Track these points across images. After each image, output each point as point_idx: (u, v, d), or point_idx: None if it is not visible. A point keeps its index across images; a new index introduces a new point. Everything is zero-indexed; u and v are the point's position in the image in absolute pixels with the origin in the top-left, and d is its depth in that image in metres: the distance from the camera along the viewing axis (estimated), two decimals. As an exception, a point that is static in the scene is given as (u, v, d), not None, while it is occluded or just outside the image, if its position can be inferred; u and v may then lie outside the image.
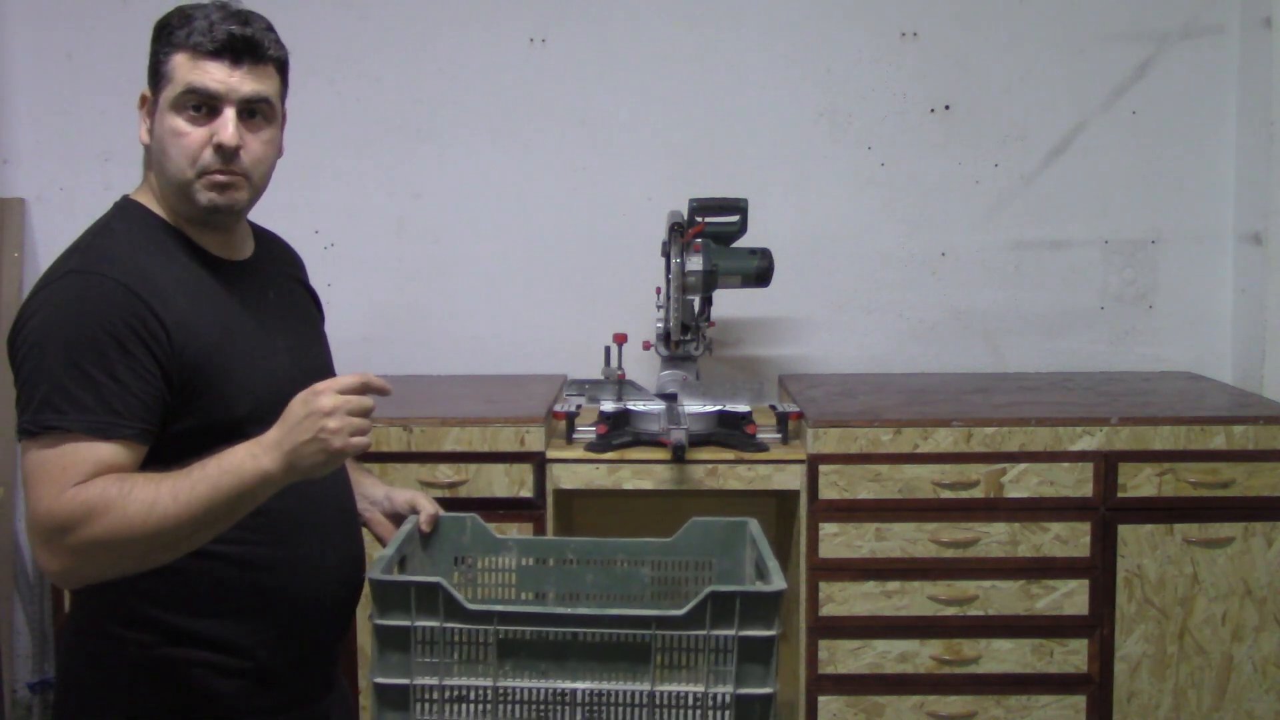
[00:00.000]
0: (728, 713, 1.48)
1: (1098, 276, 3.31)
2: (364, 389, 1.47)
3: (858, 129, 3.28)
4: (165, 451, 1.51)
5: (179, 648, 1.57)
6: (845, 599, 2.71)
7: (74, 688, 1.62)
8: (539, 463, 2.69)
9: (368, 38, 3.27)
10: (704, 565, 1.80)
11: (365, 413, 1.46)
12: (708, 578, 1.79)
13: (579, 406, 2.82)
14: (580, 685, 1.48)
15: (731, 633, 1.47)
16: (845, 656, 2.72)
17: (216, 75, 1.54)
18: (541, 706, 1.48)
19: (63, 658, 1.66)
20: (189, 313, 1.54)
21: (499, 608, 1.50)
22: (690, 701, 1.48)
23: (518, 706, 1.48)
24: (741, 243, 2.96)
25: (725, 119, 3.27)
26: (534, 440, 2.69)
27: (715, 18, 3.25)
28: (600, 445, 2.71)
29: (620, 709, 1.48)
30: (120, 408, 1.46)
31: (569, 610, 1.49)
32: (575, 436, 2.77)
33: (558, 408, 2.81)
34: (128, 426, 1.47)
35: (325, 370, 1.79)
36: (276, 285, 1.74)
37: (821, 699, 2.73)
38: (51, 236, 3.28)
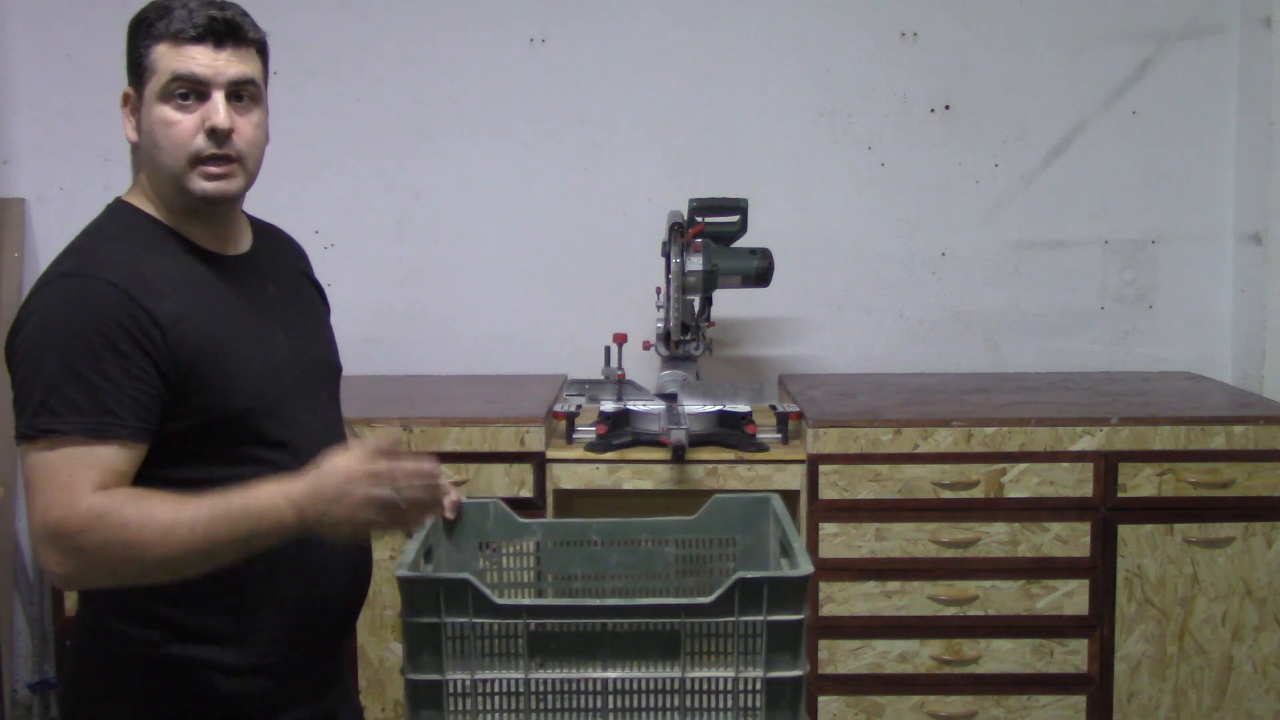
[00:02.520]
0: (759, 697, 1.49)
1: (1098, 276, 3.31)
2: (392, 453, 1.46)
3: (858, 129, 3.28)
4: (167, 449, 1.51)
5: (187, 645, 1.57)
6: (845, 599, 2.71)
7: (81, 686, 1.62)
8: (539, 463, 2.69)
9: (368, 38, 3.27)
10: (727, 542, 1.80)
11: (398, 486, 1.45)
12: (731, 555, 1.80)
13: (579, 406, 2.82)
14: (611, 675, 1.49)
15: (760, 618, 1.48)
16: (845, 656, 2.72)
17: (202, 60, 1.54)
18: (573, 697, 1.49)
19: (69, 656, 1.66)
20: (185, 310, 1.53)
21: (528, 601, 1.52)
22: (721, 687, 1.49)
23: (550, 698, 1.49)
24: (741, 243, 2.96)
25: (725, 119, 3.27)
26: (534, 440, 2.69)
27: (715, 18, 3.25)
28: (600, 445, 2.71)
29: (652, 696, 1.49)
30: (115, 407, 1.46)
31: (597, 602, 1.50)
32: (575, 436, 2.77)
33: (558, 408, 2.81)
34: (123, 426, 1.47)
35: (328, 363, 1.78)
36: (277, 279, 1.73)
37: (821, 699, 2.73)
38: (51, 236, 3.28)
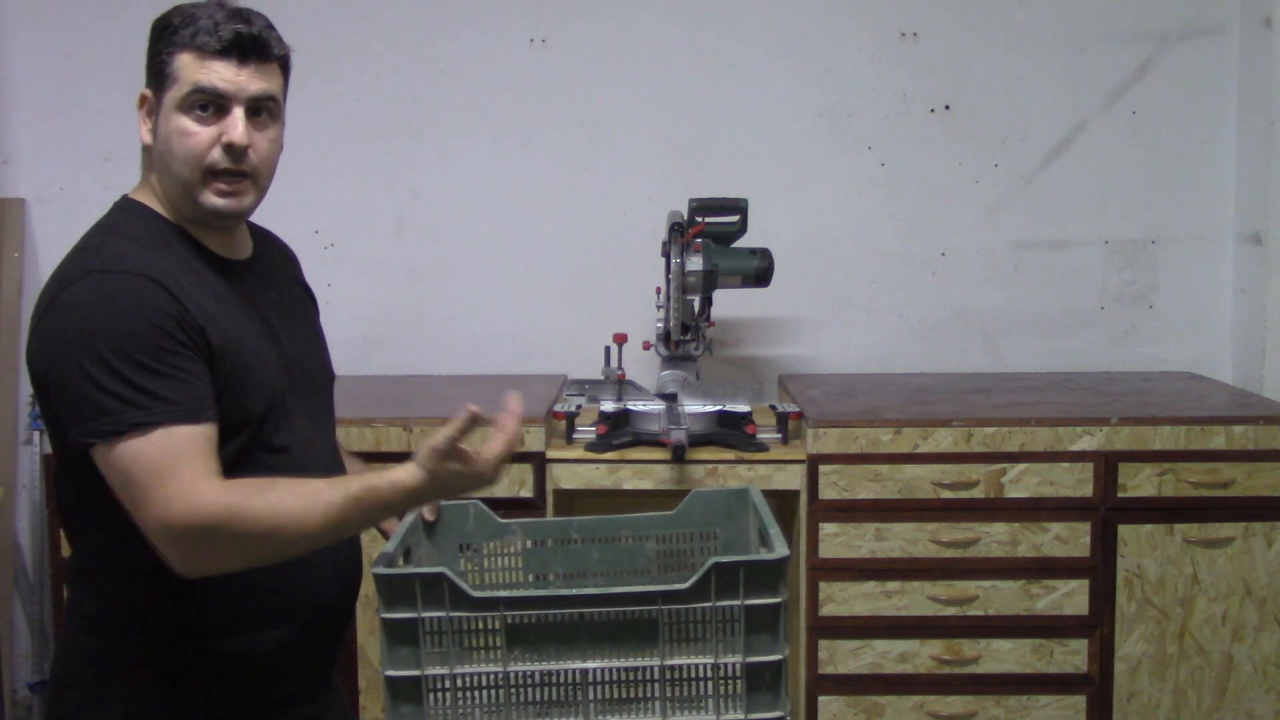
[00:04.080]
0: (739, 682, 1.49)
1: (1098, 276, 3.31)
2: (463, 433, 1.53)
3: (858, 129, 3.28)
4: None
5: (177, 647, 1.57)
6: (845, 599, 2.71)
7: (71, 686, 1.61)
8: (539, 463, 2.69)
9: (368, 38, 3.27)
10: (708, 536, 1.81)
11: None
12: (713, 548, 1.80)
13: (579, 406, 2.82)
14: (591, 665, 1.49)
15: (737, 602, 1.48)
16: (845, 656, 2.72)
17: (224, 75, 1.53)
18: (553, 689, 1.49)
19: (59, 657, 1.65)
20: (209, 310, 1.53)
21: (504, 594, 1.51)
22: (701, 673, 1.49)
23: (529, 690, 1.49)
24: (741, 243, 2.96)
25: (725, 119, 3.27)
26: (534, 440, 2.69)
27: (715, 18, 3.25)
28: (600, 445, 2.71)
29: (632, 686, 1.49)
30: (198, 392, 1.46)
31: (574, 591, 1.51)
32: (575, 436, 2.77)
33: (558, 408, 2.81)
34: (208, 409, 1.47)
35: (324, 370, 1.79)
36: (277, 284, 1.74)
37: (821, 699, 2.73)
38: (51, 236, 3.29)
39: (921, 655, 2.72)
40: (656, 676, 1.49)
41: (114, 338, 1.44)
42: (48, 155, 3.31)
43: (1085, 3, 3.24)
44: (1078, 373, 3.27)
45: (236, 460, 1.53)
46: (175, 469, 1.42)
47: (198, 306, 1.51)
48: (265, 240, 1.78)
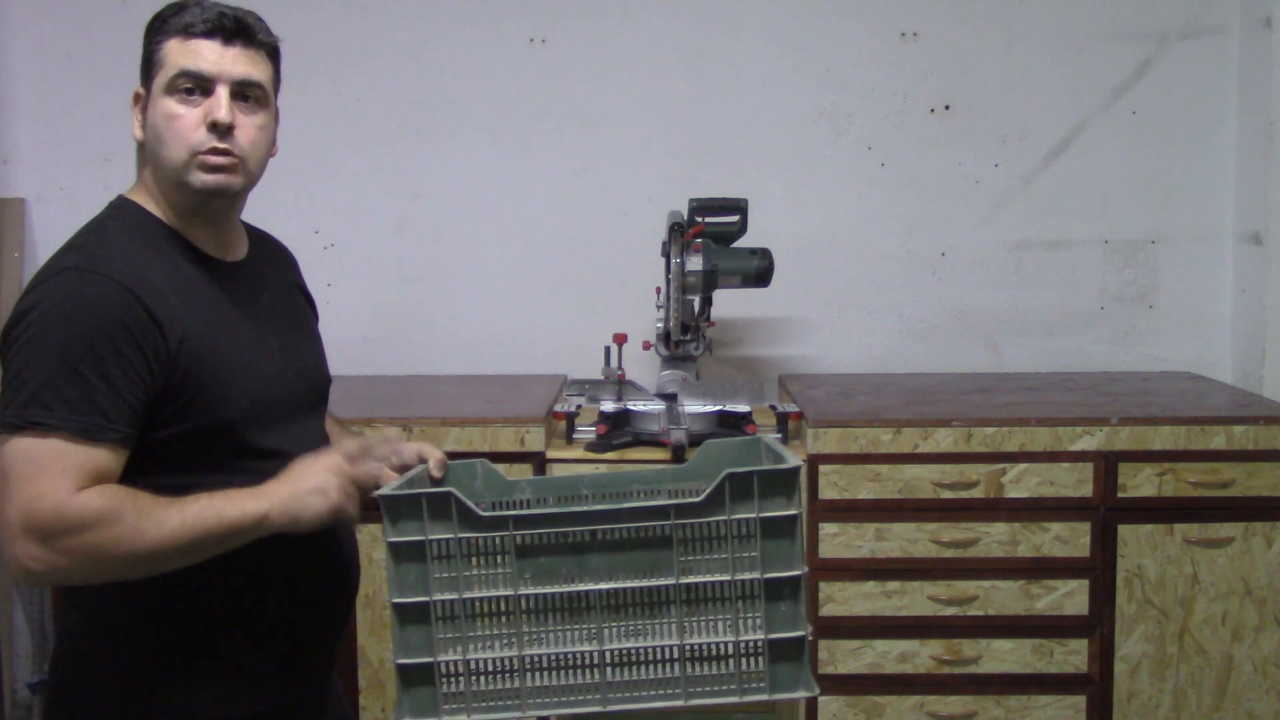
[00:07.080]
0: (758, 600, 1.45)
1: (1098, 276, 3.31)
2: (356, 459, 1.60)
3: (858, 129, 3.28)
4: (159, 455, 1.51)
5: (174, 654, 1.57)
6: (845, 599, 2.71)
7: (67, 692, 1.61)
8: (539, 463, 2.69)
9: (368, 38, 3.27)
10: None
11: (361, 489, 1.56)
12: None
13: (579, 406, 2.82)
14: (604, 586, 1.45)
15: (753, 515, 1.44)
16: (845, 656, 2.72)
17: (208, 56, 1.55)
18: (564, 613, 1.45)
19: (55, 665, 1.65)
20: (183, 313, 1.53)
21: (513, 512, 1.46)
22: (719, 592, 1.45)
23: (540, 615, 1.45)
24: (741, 243, 2.96)
25: (725, 119, 3.27)
26: (534, 440, 2.69)
27: (715, 18, 3.25)
28: (600, 445, 2.71)
29: (646, 607, 1.45)
30: (109, 410, 1.45)
31: (585, 508, 1.48)
32: (575, 436, 2.77)
33: (558, 408, 2.81)
34: (114, 430, 1.46)
35: (319, 374, 1.78)
36: (272, 287, 1.73)
37: (821, 699, 2.73)
38: (51, 236, 3.28)
39: (921, 655, 2.72)
40: (670, 597, 1.45)
41: (62, 338, 1.45)
42: (48, 155, 3.31)
43: (1085, 3, 3.24)
44: (1078, 373, 3.27)
45: (221, 463, 1.54)
46: (55, 473, 1.42)
47: (168, 309, 1.51)
48: (263, 242, 1.78)
